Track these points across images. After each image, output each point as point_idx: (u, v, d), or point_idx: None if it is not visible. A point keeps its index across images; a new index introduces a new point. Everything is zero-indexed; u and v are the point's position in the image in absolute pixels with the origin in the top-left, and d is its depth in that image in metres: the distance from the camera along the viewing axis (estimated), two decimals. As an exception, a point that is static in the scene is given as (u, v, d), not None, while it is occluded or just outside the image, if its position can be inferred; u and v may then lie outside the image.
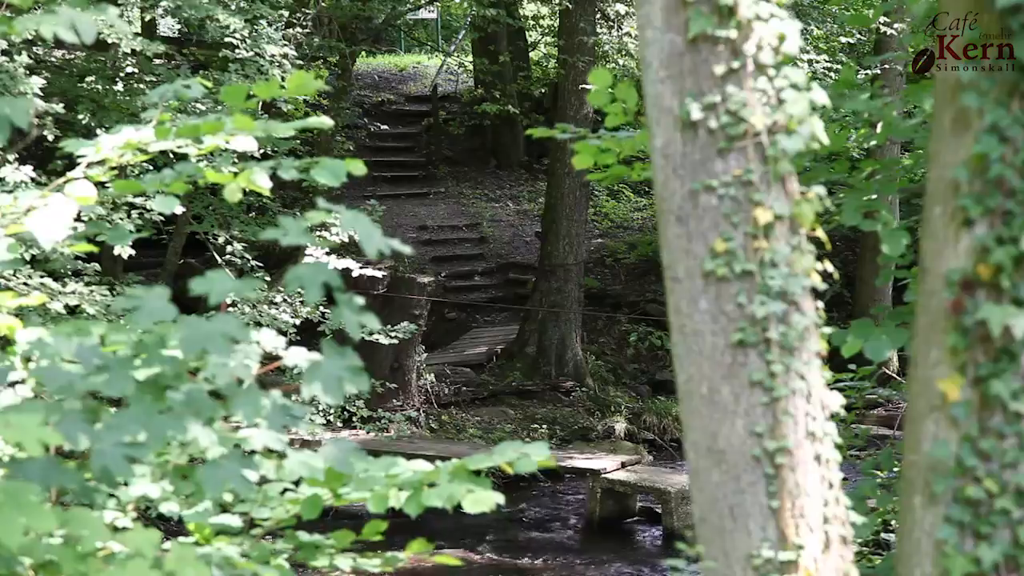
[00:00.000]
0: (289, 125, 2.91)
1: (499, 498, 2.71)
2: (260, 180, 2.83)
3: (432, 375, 15.09)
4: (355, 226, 2.47)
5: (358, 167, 2.73)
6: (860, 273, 17.24)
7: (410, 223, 19.56)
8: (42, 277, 9.27)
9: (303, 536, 3.15)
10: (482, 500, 2.70)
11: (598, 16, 17.37)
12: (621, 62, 20.85)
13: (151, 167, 8.71)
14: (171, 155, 3.16)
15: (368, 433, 13.56)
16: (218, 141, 2.92)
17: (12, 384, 2.80)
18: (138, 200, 10.02)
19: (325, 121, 2.96)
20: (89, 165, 2.91)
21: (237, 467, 2.51)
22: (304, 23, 14.59)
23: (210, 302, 2.39)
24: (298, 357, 2.58)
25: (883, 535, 5.47)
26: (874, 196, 4.33)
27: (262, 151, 10.50)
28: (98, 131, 9.86)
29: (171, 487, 2.88)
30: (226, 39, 11.09)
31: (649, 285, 18.18)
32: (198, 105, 9.93)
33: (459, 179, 21.84)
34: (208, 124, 2.86)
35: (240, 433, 2.68)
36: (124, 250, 9.84)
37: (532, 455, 2.75)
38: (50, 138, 10.04)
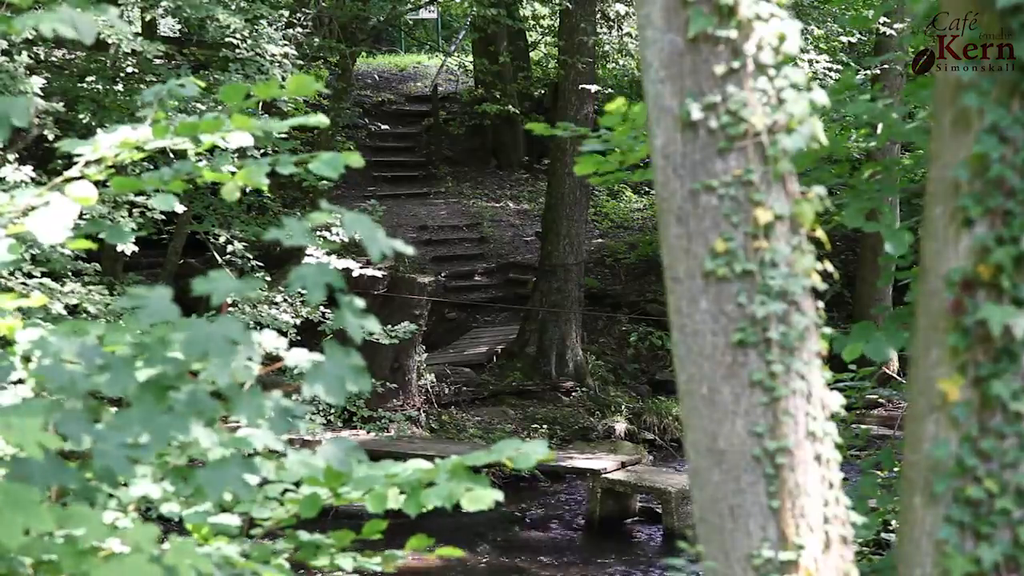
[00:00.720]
0: (287, 123, 2.91)
1: (498, 495, 2.70)
2: (258, 178, 2.83)
3: (432, 375, 15.09)
4: (358, 228, 2.47)
5: (356, 160, 2.73)
6: (860, 273, 17.24)
7: (410, 223, 19.55)
8: (42, 277, 9.28)
9: (303, 536, 3.14)
10: (480, 498, 2.70)
11: (598, 16, 17.37)
12: (621, 62, 20.85)
13: (151, 166, 8.72)
14: (170, 154, 3.16)
15: (368, 433, 13.56)
16: (216, 139, 2.92)
17: (16, 383, 2.81)
18: (139, 199, 10.03)
19: (322, 119, 2.96)
20: (87, 164, 2.90)
21: (237, 471, 2.51)
22: (304, 23, 14.59)
23: (212, 302, 2.40)
24: (299, 358, 2.58)
25: (883, 535, 5.47)
26: (876, 192, 4.33)
27: (262, 151, 10.50)
28: (98, 131, 9.85)
29: (171, 488, 2.88)
30: (226, 39, 11.09)
31: (649, 285, 18.17)
32: (198, 105, 9.93)
33: (459, 179, 21.84)
34: (207, 123, 2.86)
35: (240, 433, 2.68)
36: (127, 247, 9.84)
37: (531, 453, 2.75)
38: (50, 137, 10.05)
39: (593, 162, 4.22)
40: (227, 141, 2.91)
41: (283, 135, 10.86)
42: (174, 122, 2.92)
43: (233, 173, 2.88)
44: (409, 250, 2.59)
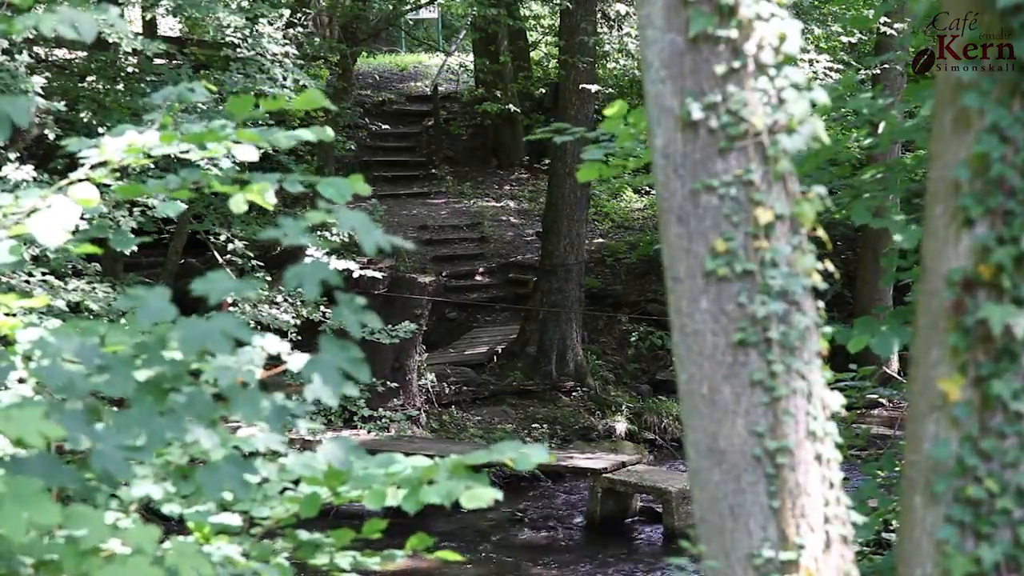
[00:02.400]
0: (289, 135, 2.91)
1: (497, 494, 2.70)
2: (265, 194, 2.82)
3: (433, 375, 15.08)
4: (353, 223, 2.47)
5: (362, 187, 2.71)
6: (860, 273, 17.24)
7: (411, 223, 19.55)
8: (44, 275, 9.28)
9: (303, 535, 3.15)
10: (480, 496, 2.70)
11: (598, 16, 17.36)
12: (621, 62, 20.84)
13: (154, 166, 8.71)
14: (173, 157, 3.16)
15: (369, 433, 13.56)
16: (221, 148, 2.92)
17: (19, 382, 2.81)
18: (140, 198, 10.03)
19: (327, 132, 2.95)
20: (92, 167, 2.90)
21: (236, 470, 2.51)
22: (304, 23, 14.59)
23: (210, 302, 2.40)
24: (302, 363, 2.57)
25: (883, 535, 5.47)
26: (880, 190, 4.34)
27: (263, 151, 10.48)
28: (100, 130, 9.87)
29: (173, 488, 2.88)
30: (227, 39, 11.09)
31: (650, 285, 18.17)
32: (199, 105, 9.93)
33: (460, 179, 21.83)
34: (213, 134, 2.86)
35: (240, 434, 2.69)
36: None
37: (530, 455, 2.74)
38: (51, 137, 10.05)
39: (595, 169, 4.23)
40: (231, 151, 2.91)
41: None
42: (179, 122, 2.92)
43: (240, 185, 2.87)
44: (408, 244, 2.58)
